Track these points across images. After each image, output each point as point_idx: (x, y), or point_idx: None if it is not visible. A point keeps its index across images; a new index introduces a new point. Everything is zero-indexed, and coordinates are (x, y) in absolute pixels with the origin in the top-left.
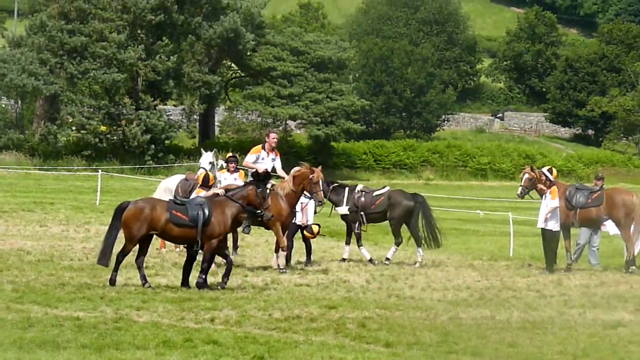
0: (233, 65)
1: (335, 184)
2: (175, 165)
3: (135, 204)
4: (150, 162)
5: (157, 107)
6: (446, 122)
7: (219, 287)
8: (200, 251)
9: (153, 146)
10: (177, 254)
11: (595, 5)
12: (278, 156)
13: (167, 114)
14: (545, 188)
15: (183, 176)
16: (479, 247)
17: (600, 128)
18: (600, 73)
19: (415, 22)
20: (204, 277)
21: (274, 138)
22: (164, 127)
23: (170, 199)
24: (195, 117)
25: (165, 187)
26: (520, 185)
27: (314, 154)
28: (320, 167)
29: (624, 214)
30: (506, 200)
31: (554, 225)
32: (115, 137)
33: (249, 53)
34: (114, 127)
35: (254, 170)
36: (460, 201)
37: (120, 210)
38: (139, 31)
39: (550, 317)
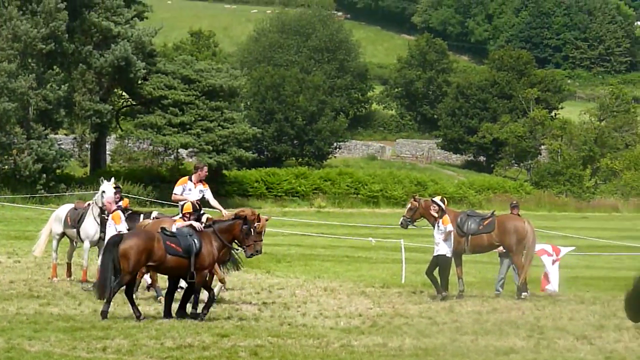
0: (124, 93)
1: (130, 211)
2: (67, 194)
3: (135, 235)
4: (42, 191)
5: (48, 136)
6: (338, 149)
7: (200, 318)
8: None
9: (45, 175)
10: (69, 282)
11: (486, 32)
12: (207, 187)
13: (59, 143)
14: (436, 216)
15: (72, 205)
16: (371, 274)
17: (492, 155)
18: (492, 100)
19: (306, 50)
20: (206, 312)
21: (206, 172)
22: (56, 156)
23: (159, 230)
24: (86, 146)
25: (56, 217)
26: (403, 216)
27: (206, 182)
28: (268, 217)
29: (515, 240)
30: (398, 227)
31: (447, 251)
32: (6, 167)
33: (140, 81)
34: (5, 157)
35: (184, 202)
36: (353, 228)
37: (113, 243)
38: (29, 60)
39: (443, 344)
